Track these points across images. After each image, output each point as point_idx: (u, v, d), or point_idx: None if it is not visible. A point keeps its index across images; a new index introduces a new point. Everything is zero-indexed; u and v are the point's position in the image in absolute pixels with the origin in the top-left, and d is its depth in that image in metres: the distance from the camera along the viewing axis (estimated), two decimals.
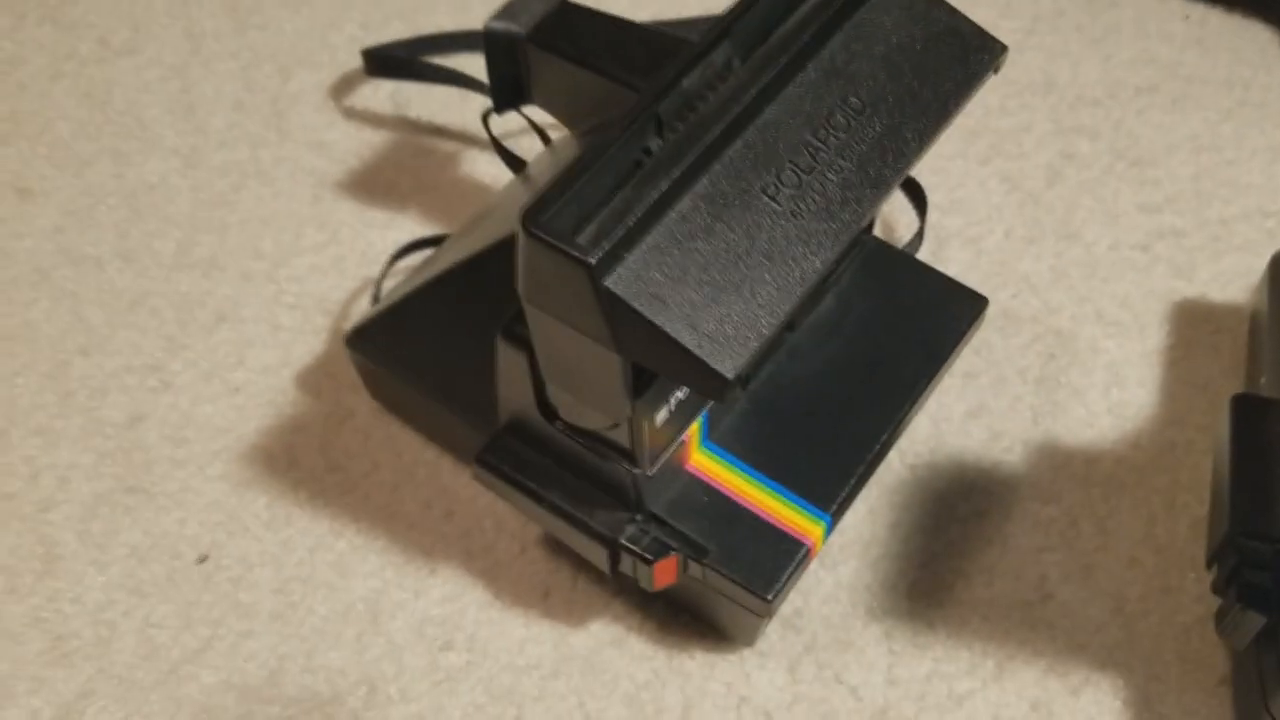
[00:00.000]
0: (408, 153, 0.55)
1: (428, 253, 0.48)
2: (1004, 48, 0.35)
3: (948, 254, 0.51)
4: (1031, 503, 0.44)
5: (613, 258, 0.30)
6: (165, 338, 0.48)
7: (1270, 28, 0.59)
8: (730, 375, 0.29)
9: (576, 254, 0.29)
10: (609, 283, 0.29)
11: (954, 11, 0.35)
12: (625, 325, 0.30)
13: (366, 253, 0.51)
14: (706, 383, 0.30)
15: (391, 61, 0.56)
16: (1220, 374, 0.47)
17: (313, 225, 0.52)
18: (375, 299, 0.47)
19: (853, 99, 0.34)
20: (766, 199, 0.32)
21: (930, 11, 0.35)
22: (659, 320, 0.29)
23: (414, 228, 0.52)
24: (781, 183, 0.32)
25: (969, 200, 0.52)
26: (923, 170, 0.53)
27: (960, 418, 0.46)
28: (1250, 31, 0.59)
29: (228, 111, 0.56)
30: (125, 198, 0.53)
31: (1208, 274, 0.50)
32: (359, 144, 0.55)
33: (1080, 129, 0.55)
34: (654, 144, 0.33)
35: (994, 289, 0.49)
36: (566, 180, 0.31)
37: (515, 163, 0.52)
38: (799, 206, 0.32)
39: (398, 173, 0.54)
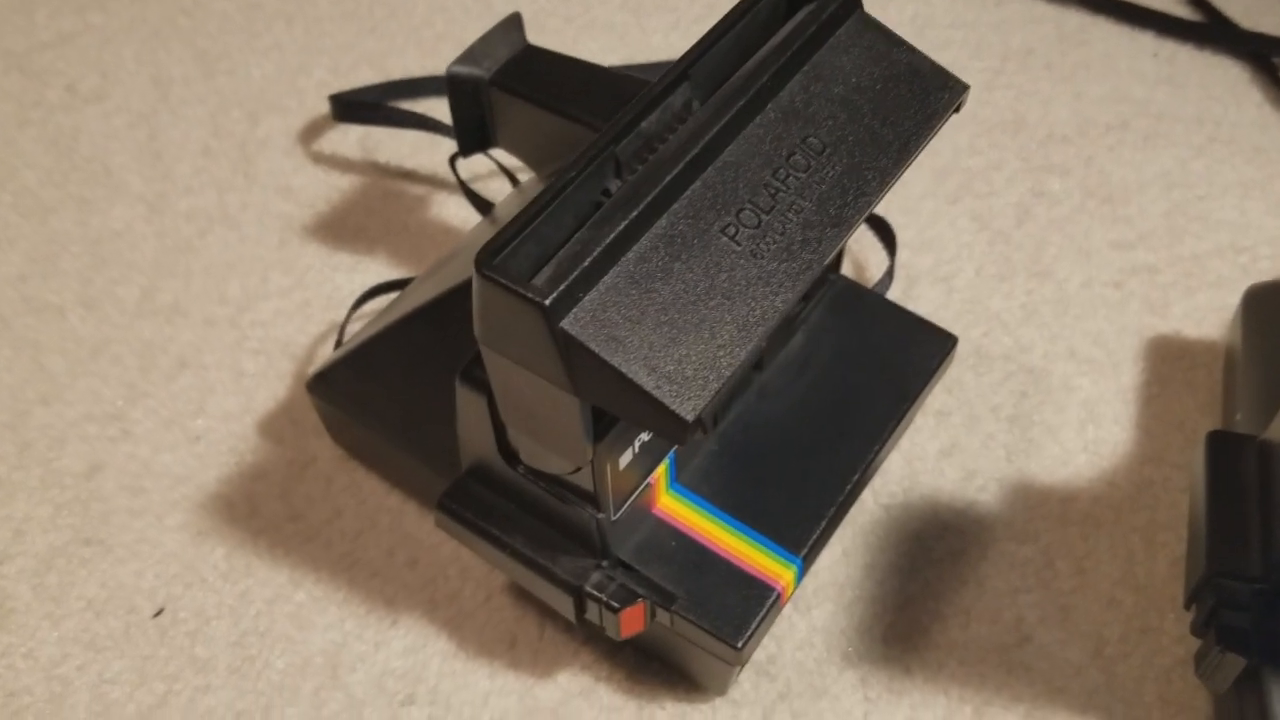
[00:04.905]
0: (376, 196, 0.54)
1: (393, 296, 0.48)
2: (965, 86, 0.35)
3: (918, 292, 0.51)
4: (1007, 543, 0.43)
5: (568, 299, 0.29)
6: (126, 386, 0.47)
7: (1239, 63, 0.59)
8: (690, 417, 0.29)
9: (531, 295, 0.29)
10: (565, 324, 0.29)
11: (914, 51, 0.35)
12: (582, 367, 0.29)
13: (333, 296, 0.50)
14: (667, 425, 0.29)
15: (359, 107, 0.55)
16: (1196, 410, 0.47)
17: (279, 270, 0.51)
18: (339, 343, 0.46)
19: (812, 139, 0.33)
20: (726, 239, 0.31)
21: (891, 52, 0.35)
22: (616, 361, 0.29)
23: (382, 271, 0.51)
24: (741, 223, 0.32)
25: (939, 239, 0.52)
26: (892, 210, 0.53)
27: (933, 457, 0.45)
28: (1220, 67, 0.59)
29: (195, 157, 0.56)
30: (89, 245, 0.52)
31: (1181, 310, 0.50)
32: (327, 188, 0.54)
33: (1050, 167, 0.55)
34: (613, 185, 0.33)
35: (965, 327, 0.49)
36: (522, 222, 0.30)
37: (483, 205, 0.51)
38: (759, 247, 0.31)
39: (365, 216, 0.53)
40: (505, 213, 0.48)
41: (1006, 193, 0.54)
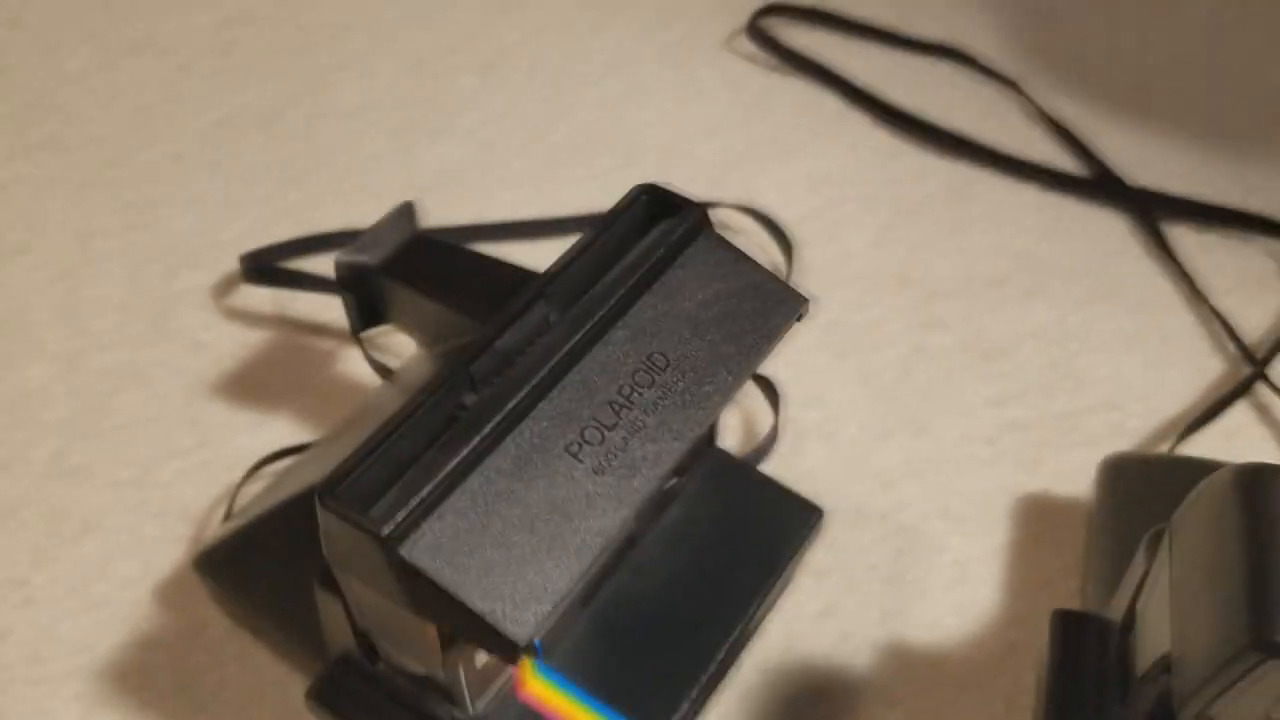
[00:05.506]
0: (286, 352, 0.56)
1: (289, 462, 0.50)
2: (805, 300, 0.37)
3: (805, 447, 0.53)
4: (877, 707, 0.45)
5: (407, 527, 0.31)
6: (31, 550, 0.49)
7: (1122, 215, 0.62)
8: (522, 640, 0.31)
9: (368, 526, 0.30)
10: (402, 551, 0.31)
11: (758, 268, 0.38)
12: (420, 591, 0.31)
13: (235, 456, 0.52)
14: (501, 646, 0.31)
15: (268, 269, 0.58)
16: (1062, 571, 0.49)
17: (184, 429, 0.53)
18: (228, 513, 0.48)
19: (658, 356, 0.36)
20: (569, 458, 0.33)
21: (735, 269, 0.37)
22: (452, 588, 0.31)
23: (286, 429, 0.53)
24: (585, 441, 0.34)
25: (826, 394, 0.54)
26: (781, 365, 0.55)
27: (811, 618, 0.47)
28: (1106, 222, 0.62)
29: (111, 313, 0.57)
30: (3, 406, 0.54)
31: (1052, 468, 0.52)
32: (236, 344, 0.56)
33: (933, 323, 0.57)
34: (468, 400, 0.35)
35: (848, 483, 0.51)
36: (369, 446, 0.32)
37: (386, 371, 0.53)
38: (602, 464, 0.33)
39: (272, 373, 0.55)
40: (407, 377, 0.50)
41: (891, 348, 0.56)
